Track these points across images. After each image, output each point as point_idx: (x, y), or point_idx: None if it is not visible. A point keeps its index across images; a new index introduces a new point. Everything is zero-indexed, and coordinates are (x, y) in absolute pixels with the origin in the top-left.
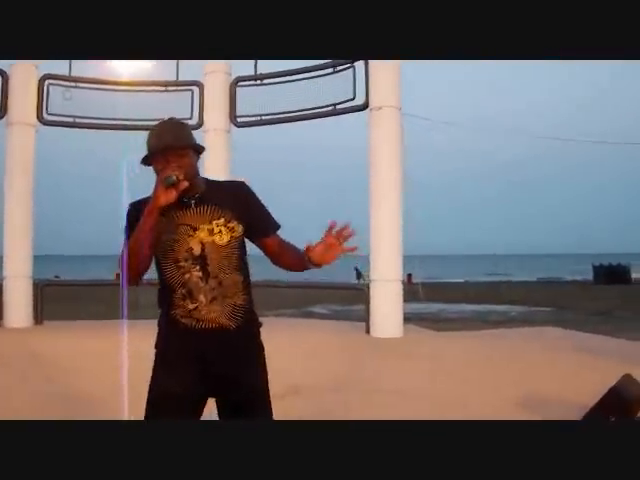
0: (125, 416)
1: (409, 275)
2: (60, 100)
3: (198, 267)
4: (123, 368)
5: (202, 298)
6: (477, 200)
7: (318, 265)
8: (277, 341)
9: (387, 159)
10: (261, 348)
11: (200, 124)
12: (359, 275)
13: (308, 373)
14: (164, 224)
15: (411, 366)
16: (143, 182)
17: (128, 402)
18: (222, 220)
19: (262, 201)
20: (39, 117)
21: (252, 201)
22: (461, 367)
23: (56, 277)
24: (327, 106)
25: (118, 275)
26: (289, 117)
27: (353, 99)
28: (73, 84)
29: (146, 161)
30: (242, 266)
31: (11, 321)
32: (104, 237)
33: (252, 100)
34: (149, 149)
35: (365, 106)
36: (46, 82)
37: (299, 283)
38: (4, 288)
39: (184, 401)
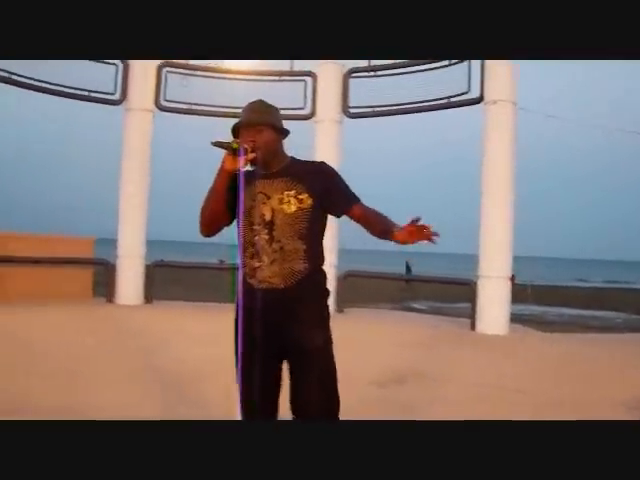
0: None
1: (512, 276)
2: (177, 87)
3: (266, 231)
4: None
5: (265, 258)
6: (574, 203)
7: (401, 242)
8: (381, 331)
9: (501, 154)
10: (317, 313)
11: (312, 114)
12: (408, 269)
13: (413, 364)
14: (247, 191)
15: (515, 363)
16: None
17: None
18: (293, 192)
19: (340, 178)
20: (156, 103)
21: (328, 178)
22: (565, 366)
23: (221, 261)
24: (441, 99)
25: (221, 261)
26: (402, 109)
27: (467, 92)
28: (190, 72)
29: (234, 134)
30: (308, 236)
31: (123, 298)
32: None
33: (364, 91)
34: (236, 124)
35: (480, 99)
36: (164, 70)
37: (399, 276)
38: (117, 267)
39: (253, 356)
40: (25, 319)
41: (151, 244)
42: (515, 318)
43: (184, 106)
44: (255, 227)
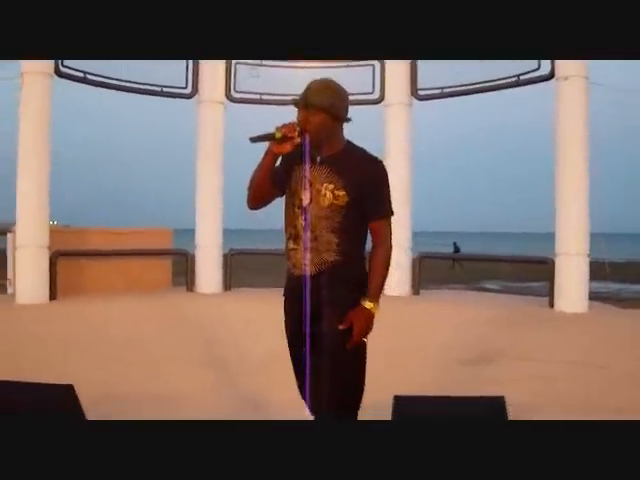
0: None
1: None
2: (247, 78)
3: (303, 217)
4: None
5: (300, 243)
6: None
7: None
8: (460, 311)
9: (574, 131)
10: (344, 302)
11: (381, 99)
12: (457, 250)
13: (497, 342)
14: (297, 171)
15: (597, 339)
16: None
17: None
18: (332, 185)
19: (384, 186)
20: (227, 95)
21: (372, 181)
22: None
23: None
24: (510, 77)
25: None
26: (472, 89)
27: (538, 69)
28: (259, 62)
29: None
30: (341, 231)
31: (202, 287)
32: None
33: (433, 72)
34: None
35: (551, 76)
36: (234, 61)
37: (472, 255)
38: (196, 257)
39: (294, 341)
40: (109, 309)
41: (228, 233)
42: (594, 296)
43: (256, 96)
44: (295, 210)
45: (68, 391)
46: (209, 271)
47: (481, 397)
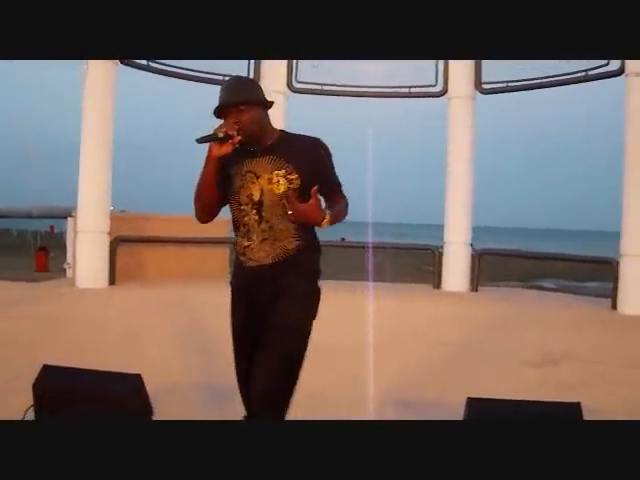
0: None
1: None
2: (308, 69)
3: (254, 211)
4: None
5: (254, 237)
6: None
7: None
8: (520, 310)
9: None
10: (300, 290)
11: (444, 91)
12: None
13: (561, 344)
14: (236, 169)
15: None
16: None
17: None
18: (283, 171)
19: (330, 160)
20: (289, 85)
21: (319, 158)
22: None
23: (343, 239)
24: (578, 72)
25: (343, 239)
26: (538, 84)
27: (607, 64)
28: None
29: (217, 114)
30: None
31: (449, 286)
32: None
33: (496, 66)
34: (217, 106)
35: (620, 72)
36: None
37: (522, 252)
38: (444, 254)
39: (242, 335)
40: (169, 295)
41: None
42: None
43: (317, 87)
44: (243, 207)
45: (136, 381)
46: (457, 269)
47: (556, 402)
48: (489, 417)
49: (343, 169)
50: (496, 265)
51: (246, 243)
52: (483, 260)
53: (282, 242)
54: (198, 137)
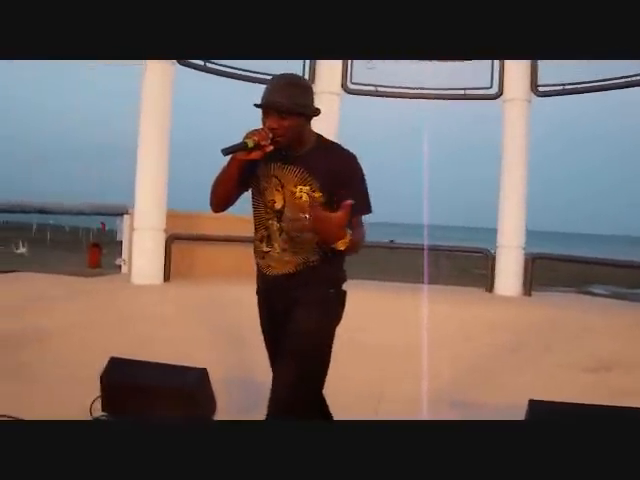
0: None
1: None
2: (363, 70)
3: (276, 219)
4: None
5: (276, 246)
6: None
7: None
8: (575, 317)
9: None
10: (319, 297)
11: (500, 93)
12: None
13: (616, 351)
14: (263, 170)
15: None
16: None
17: None
18: (307, 187)
19: (361, 182)
20: (343, 86)
21: (347, 180)
22: None
23: (391, 241)
24: (638, 75)
25: (392, 241)
26: (597, 87)
27: None
28: None
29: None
30: None
31: (501, 289)
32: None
33: (555, 68)
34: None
35: None
36: None
37: (575, 257)
38: (497, 257)
39: (268, 336)
40: (223, 292)
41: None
42: None
43: (371, 88)
44: (267, 210)
45: (201, 374)
46: (510, 272)
47: (618, 407)
48: (552, 418)
49: (394, 171)
50: (546, 270)
51: (266, 249)
52: (535, 264)
53: (304, 254)
54: (224, 147)
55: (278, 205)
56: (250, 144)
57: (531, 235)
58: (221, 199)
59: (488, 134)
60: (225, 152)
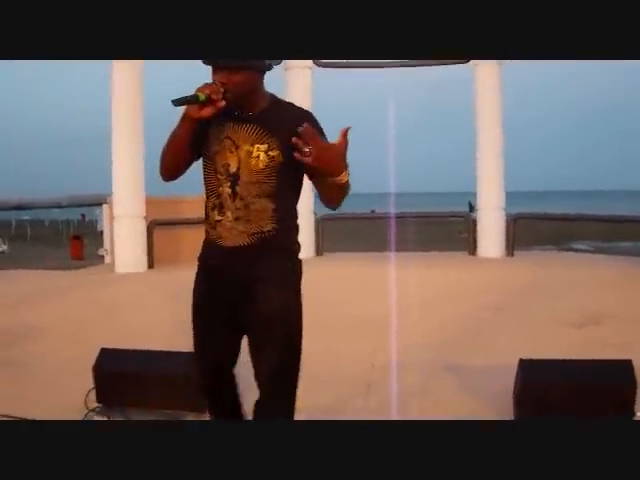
0: None
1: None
2: None
3: (229, 184)
4: None
5: (229, 214)
6: None
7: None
8: (559, 273)
9: None
10: (281, 273)
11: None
12: (471, 208)
13: (602, 305)
14: (214, 132)
15: None
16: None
17: None
18: (265, 146)
19: (324, 136)
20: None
21: None
22: None
23: (372, 211)
24: None
25: (373, 211)
26: None
27: None
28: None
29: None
30: (278, 194)
31: (484, 252)
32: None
33: None
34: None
35: None
36: None
37: (557, 215)
38: (478, 220)
39: (206, 319)
40: None
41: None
42: None
43: (342, 61)
44: (219, 176)
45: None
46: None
47: (607, 360)
48: (540, 378)
49: (374, 138)
50: (527, 229)
51: (217, 217)
52: (517, 225)
53: (257, 223)
54: (175, 98)
55: (233, 168)
56: (202, 97)
57: (511, 196)
58: (172, 163)
59: (461, 98)
60: (175, 103)
